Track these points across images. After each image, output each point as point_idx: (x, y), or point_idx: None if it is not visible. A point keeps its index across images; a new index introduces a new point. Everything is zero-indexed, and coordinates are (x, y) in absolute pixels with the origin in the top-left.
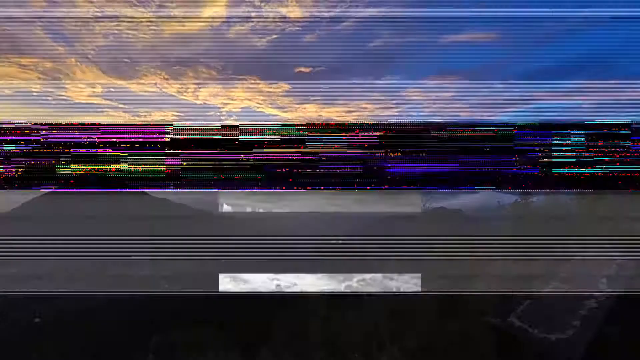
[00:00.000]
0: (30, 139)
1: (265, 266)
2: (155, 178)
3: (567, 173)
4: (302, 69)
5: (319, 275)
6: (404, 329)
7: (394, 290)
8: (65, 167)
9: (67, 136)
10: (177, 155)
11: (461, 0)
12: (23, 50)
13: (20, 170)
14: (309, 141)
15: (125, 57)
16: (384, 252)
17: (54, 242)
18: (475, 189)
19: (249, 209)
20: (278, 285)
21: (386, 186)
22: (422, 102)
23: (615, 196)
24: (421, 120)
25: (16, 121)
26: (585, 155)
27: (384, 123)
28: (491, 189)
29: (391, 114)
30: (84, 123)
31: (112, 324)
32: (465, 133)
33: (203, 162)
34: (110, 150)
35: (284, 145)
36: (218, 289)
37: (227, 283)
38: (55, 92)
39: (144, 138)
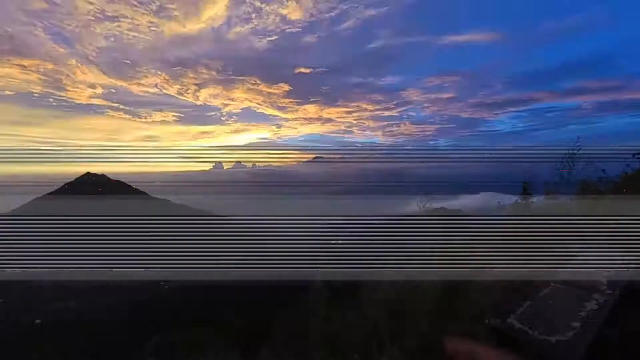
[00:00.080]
0: None
1: None
2: None
3: None
4: (303, 70)
5: None
6: (403, 329)
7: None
8: None
9: None
10: None
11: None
12: (24, 52)
13: None
14: None
15: (125, 59)
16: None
17: None
18: None
19: None
20: None
21: None
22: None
23: (615, 196)
24: None
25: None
26: None
27: None
28: None
29: (391, 115)
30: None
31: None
32: None
33: None
34: None
35: None
36: None
37: None
38: (56, 94)
39: None
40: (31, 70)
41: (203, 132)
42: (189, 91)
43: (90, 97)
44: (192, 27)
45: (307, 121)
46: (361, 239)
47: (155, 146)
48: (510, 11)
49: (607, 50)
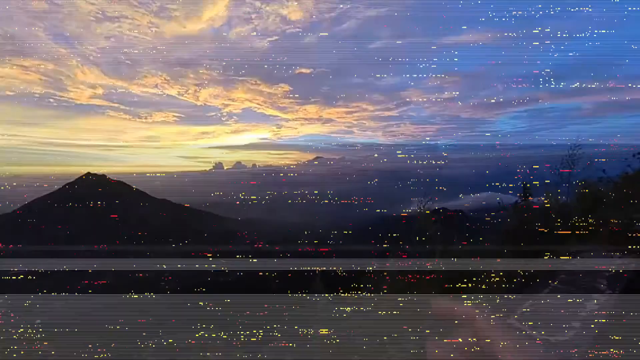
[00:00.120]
0: None
1: None
2: None
3: None
4: (303, 70)
5: None
6: (403, 329)
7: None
8: None
9: None
10: None
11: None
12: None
13: None
14: None
15: (126, 59)
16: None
17: None
18: None
19: None
20: None
21: None
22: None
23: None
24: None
25: None
26: None
27: None
28: None
29: (392, 115)
30: None
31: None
32: None
33: None
34: None
35: None
36: None
37: None
38: (57, 94)
39: None
40: (32, 71)
41: (203, 132)
42: (190, 91)
43: (91, 97)
44: (193, 27)
45: (307, 121)
46: (361, 239)
47: (156, 146)
48: (510, 11)
49: (607, 51)
